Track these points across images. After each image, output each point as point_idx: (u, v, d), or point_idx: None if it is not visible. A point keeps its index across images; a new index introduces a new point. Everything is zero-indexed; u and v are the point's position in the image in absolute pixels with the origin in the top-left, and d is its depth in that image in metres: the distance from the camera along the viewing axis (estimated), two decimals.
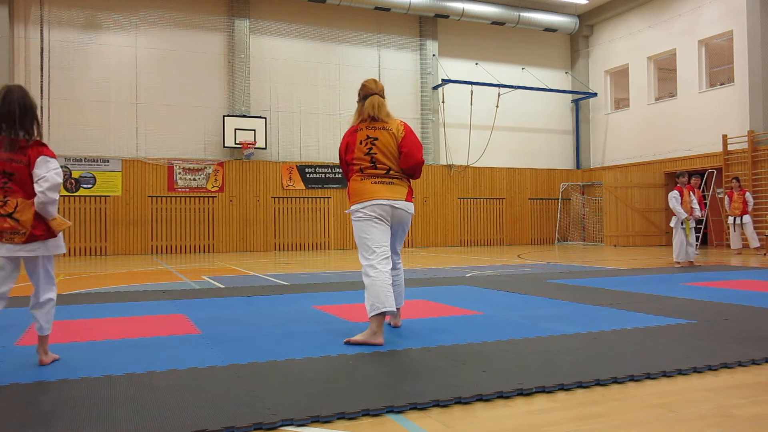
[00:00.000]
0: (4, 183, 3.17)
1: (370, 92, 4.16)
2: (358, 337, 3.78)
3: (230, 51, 16.99)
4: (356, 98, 4.27)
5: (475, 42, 19.82)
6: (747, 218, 13.33)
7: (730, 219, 13.69)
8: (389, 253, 3.97)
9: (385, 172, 4.00)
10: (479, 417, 2.45)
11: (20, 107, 3.21)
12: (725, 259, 12.01)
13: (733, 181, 13.79)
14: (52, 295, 3.35)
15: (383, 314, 3.76)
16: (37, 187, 3.18)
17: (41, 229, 3.21)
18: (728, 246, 14.93)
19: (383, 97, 4.17)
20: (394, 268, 4.14)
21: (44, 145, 3.30)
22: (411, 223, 4.17)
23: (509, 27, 19.68)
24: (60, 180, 3.25)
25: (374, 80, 4.24)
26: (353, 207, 3.99)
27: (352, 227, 4.05)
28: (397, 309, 4.31)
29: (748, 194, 13.50)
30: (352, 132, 4.12)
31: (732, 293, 6.15)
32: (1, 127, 3.20)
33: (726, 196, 13.95)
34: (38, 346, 3.33)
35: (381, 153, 4.01)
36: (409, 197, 4.11)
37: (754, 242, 13.40)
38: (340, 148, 4.18)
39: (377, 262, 3.86)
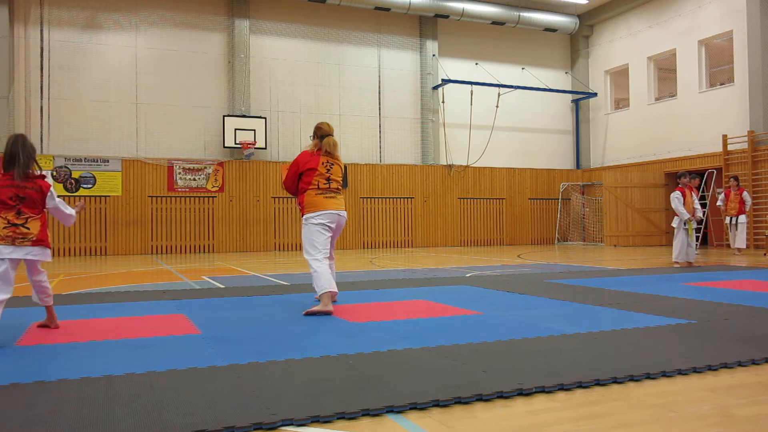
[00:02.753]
0: (17, 204, 4.02)
1: (326, 133, 5.29)
2: (314, 308, 4.97)
3: (230, 51, 17.00)
4: (312, 135, 5.38)
5: (475, 42, 19.82)
6: (743, 218, 13.26)
7: (727, 219, 13.66)
8: (328, 252, 5.25)
9: (332, 187, 5.26)
10: (479, 417, 2.45)
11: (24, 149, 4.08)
12: (725, 259, 12.00)
13: (731, 180, 13.68)
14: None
15: (330, 292, 5.04)
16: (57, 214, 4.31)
17: (43, 237, 4.11)
18: (728, 246, 14.92)
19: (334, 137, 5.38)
20: (331, 258, 5.41)
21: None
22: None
23: (509, 27, 19.67)
24: (60, 207, 4.28)
25: (327, 123, 5.37)
26: (307, 215, 5.18)
27: (302, 230, 5.25)
28: None
29: (745, 193, 13.44)
30: (312, 155, 5.25)
31: (732, 293, 6.15)
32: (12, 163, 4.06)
33: (723, 194, 13.89)
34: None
35: (334, 173, 5.31)
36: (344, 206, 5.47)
37: (741, 243, 13.17)
38: (299, 161, 5.23)
39: (320, 258, 5.12)
